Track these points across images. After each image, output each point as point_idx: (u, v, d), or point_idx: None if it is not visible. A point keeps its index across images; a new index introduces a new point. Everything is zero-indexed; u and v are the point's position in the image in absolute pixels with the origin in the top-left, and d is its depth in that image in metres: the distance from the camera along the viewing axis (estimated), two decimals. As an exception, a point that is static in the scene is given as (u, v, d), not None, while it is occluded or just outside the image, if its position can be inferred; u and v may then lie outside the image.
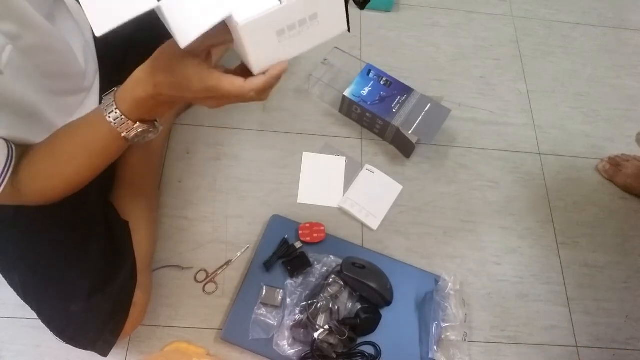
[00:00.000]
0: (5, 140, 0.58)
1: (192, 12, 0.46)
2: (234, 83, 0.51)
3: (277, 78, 0.52)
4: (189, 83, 0.51)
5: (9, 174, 0.58)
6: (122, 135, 0.58)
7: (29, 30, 0.58)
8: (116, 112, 0.56)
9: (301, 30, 0.51)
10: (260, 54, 0.51)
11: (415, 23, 1.41)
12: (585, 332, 1.01)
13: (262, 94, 0.53)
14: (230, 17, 0.47)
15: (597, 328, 1.02)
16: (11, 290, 0.76)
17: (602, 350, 1.00)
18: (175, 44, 0.49)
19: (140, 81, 0.55)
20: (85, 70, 0.74)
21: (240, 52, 0.52)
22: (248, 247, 1.01)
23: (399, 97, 1.14)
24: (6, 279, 0.76)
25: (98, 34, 0.43)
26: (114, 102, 0.56)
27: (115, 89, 0.57)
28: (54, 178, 0.63)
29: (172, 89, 0.53)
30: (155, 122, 0.60)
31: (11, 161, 0.58)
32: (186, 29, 0.46)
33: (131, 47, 0.88)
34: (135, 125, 0.57)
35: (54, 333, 0.74)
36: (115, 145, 0.60)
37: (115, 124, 0.57)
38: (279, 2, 0.48)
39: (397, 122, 1.11)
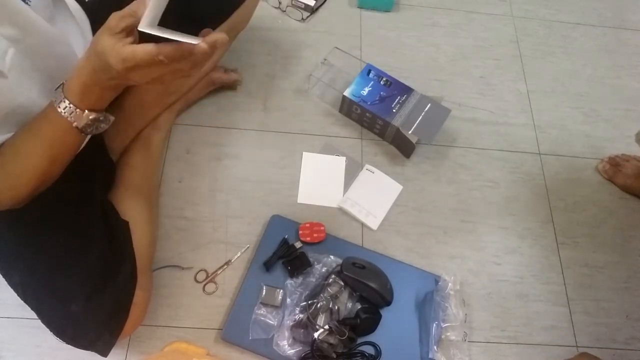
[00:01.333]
0: None
1: None
2: (145, 48, 0.51)
3: (187, 49, 0.52)
4: (108, 59, 0.52)
5: None
6: (74, 125, 0.59)
7: (30, 34, 0.58)
8: (64, 102, 0.58)
9: None
10: None
11: (415, 23, 1.41)
12: (585, 332, 1.01)
13: (176, 61, 0.53)
14: None
15: (597, 328, 1.02)
16: (11, 290, 0.76)
17: (602, 350, 1.00)
18: (99, 31, 0.52)
19: (81, 68, 0.56)
20: None
21: None
22: (248, 247, 1.01)
23: (399, 97, 1.14)
24: (6, 279, 0.75)
25: None
26: (62, 93, 0.58)
27: (64, 81, 0.59)
28: (21, 175, 0.63)
29: (102, 71, 0.54)
30: (105, 112, 0.61)
31: None
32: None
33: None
34: (84, 114, 0.59)
35: (53, 333, 0.74)
36: (69, 136, 0.61)
37: (65, 113, 0.58)
38: None
39: (397, 122, 1.11)
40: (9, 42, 0.56)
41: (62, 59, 0.67)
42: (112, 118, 0.63)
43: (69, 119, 0.58)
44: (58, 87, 0.59)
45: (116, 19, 0.51)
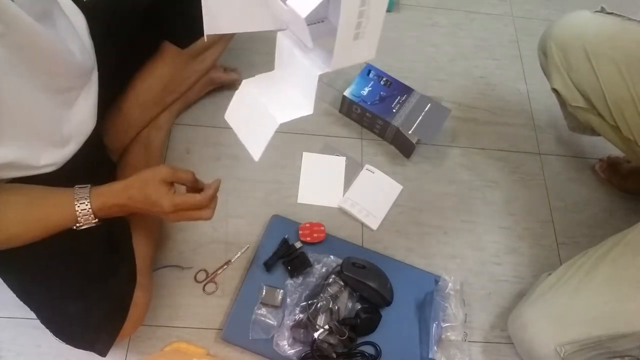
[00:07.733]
0: None
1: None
2: (195, 197, 0.72)
3: (214, 193, 0.74)
4: (162, 202, 0.68)
5: None
6: (78, 224, 0.69)
7: (15, 29, 0.59)
8: (86, 205, 0.68)
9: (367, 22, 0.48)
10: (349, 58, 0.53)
11: (415, 23, 1.41)
12: (585, 332, 1.01)
13: (211, 202, 0.74)
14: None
15: (597, 328, 1.02)
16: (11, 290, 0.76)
17: (602, 350, 1.00)
18: (152, 176, 0.69)
19: (116, 191, 0.70)
20: (82, 68, 0.74)
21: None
22: (248, 247, 1.01)
23: (399, 97, 1.14)
24: (4, 280, 0.75)
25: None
26: (88, 197, 0.68)
27: (89, 185, 0.70)
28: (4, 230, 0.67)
29: (142, 204, 0.70)
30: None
31: None
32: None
33: (129, 46, 0.88)
34: (94, 221, 0.70)
35: (52, 333, 0.74)
36: (65, 226, 0.70)
37: (79, 213, 0.68)
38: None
39: (397, 122, 1.11)
40: None
41: (55, 55, 0.67)
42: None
43: (79, 218, 0.68)
44: (84, 187, 0.69)
45: (172, 176, 0.70)
